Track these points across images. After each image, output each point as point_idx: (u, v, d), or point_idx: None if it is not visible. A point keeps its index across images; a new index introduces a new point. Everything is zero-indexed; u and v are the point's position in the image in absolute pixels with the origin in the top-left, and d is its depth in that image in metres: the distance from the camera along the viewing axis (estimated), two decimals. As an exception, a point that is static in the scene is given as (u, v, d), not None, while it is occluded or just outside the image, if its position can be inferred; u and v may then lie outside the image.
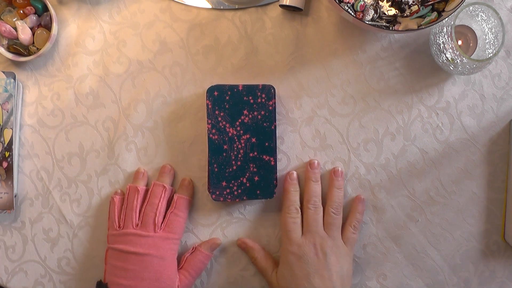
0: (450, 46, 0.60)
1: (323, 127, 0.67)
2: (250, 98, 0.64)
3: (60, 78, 0.68)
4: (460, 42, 0.67)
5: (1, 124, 0.66)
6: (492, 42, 0.63)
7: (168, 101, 0.68)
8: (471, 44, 0.66)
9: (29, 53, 0.66)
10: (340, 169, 0.65)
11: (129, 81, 0.68)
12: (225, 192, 0.64)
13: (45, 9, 0.66)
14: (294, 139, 0.67)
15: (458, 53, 0.59)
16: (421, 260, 0.67)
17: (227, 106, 0.64)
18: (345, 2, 0.63)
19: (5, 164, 0.66)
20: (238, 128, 0.64)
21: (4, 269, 0.67)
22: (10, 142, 0.66)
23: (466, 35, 0.66)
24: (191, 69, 0.68)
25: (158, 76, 0.68)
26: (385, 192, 0.67)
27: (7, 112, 0.66)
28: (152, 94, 0.68)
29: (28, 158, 0.68)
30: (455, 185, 0.67)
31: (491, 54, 0.61)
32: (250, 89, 0.64)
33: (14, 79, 0.66)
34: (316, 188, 0.63)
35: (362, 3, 0.63)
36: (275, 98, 0.64)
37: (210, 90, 0.64)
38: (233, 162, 0.64)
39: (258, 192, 0.64)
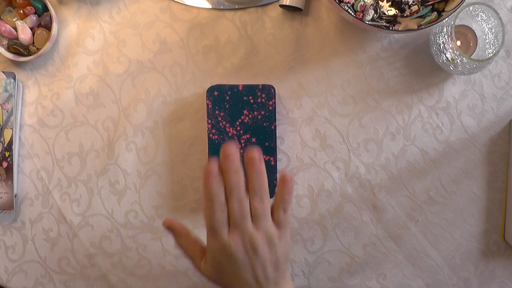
0: (450, 46, 0.60)
1: (323, 127, 0.67)
2: (250, 98, 0.64)
3: (60, 78, 0.68)
4: (460, 42, 0.67)
5: (1, 124, 0.66)
6: (492, 42, 0.63)
7: (168, 101, 0.68)
8: (471, 44, 0.66)
9: (29, 53, 0.66)
10: (255, 152, 0.53)
11: (129, 81, 0.68)
12: None
13: (45, 9, 0.66)
14: (294, 139, 0.67)
15: (458, 53, 0.59)
16: (421, 260, 0.67)
17: (227, 106, 0.64)
18: (345, 2, 0.63)
19: (5, 164, 0.66)
20: (238, 128, 0.64)
21: (4, 269, 0.67)
22: (10, 142, 0.66)
23: (466, 35, 0.66)
24: (191, 69, 0.68)
25: (158, 76, 0.68)
26: (385, 192, 0.67)
27: (7, 112, 0.66)
28: (152, 94, 0.68)
29: (28, 158, 0.68)
30: (455, 185, 0.67)
31: (491, 54, 0.61)
32: (250, 89, 0.64)
33: (14, 79, 0.66)
34: (236, 179, 0.53)
35: (362, 3, 0.63)
36: (275, 98, 0.64)
37: (210, 90, 0.64)
38: None
39: None
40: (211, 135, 0.64)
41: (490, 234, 0.67)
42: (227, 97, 0.64)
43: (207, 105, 0.64)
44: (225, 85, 0.64)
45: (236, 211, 0.53)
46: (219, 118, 0.64)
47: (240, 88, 0.64)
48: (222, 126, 0.64)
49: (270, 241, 0.54)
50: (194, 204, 0.67)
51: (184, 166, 0.67)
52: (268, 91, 0.64)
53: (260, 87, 0.64)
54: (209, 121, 0.64)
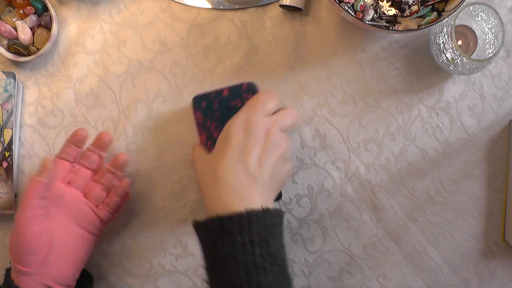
0: (450, 46, 0.60)
1: (323, 127, 0.67)
2: (238, 101, 0.60)
3: (60, 78, 0.68)
4: (460, 42, 0.67)
5: (1, 124, 0.66)
6: (492, 42, 0.63)
7: (168, 101, 0.68)
8: (471, 44, 0.66)
9: (29, 53, 0.66)
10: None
11: (129, 81, 0.68)
12: None
13: (45, 9, 0.66)
14: (294, 139, 0.67)
15: (458, 53, 0.59)
16: (421, 260, 0.67)
17: (217, 115, 0.60)
18: (345, 2, 0.63)
19: (5, 164, 0.66)
20: None
21: (4, 269, 0.67)
22: (10, 142, 0.66)
23: (466, 35, 0.66)
24: (191, 69, 0.68)
25: (158, 76, 0.68)
26: (385, 192, 0.67)
27: (7, 112, 0.66)
28: (152, 94, 0.68)
29: (28, 158, 0.68)
30: (455, 185, 0.67)
31: (491, 54, 0.61)
32: (235, 92, 0.60)
33: (14, 79, 0.66)
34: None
35: (362, 3, 0.63)
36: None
37: (198, 102, 0.60)
38: None
39: None
40: (207, 147, 0.60)
41: (490, 234, 0.67)
42: (215, 106, 0.60)
43: (198, 118, 0.60)
44: (210, 93, 0.60)
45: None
46: (212, 129, 0.60)
47: (225, 94, 0.60)
48: (216, 136, 0.59)
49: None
50: (194, 204, 0.67)
51: (184, 166, 0.67)
52: (253, 90, 0.61)
53: (244, 88, 0.61)
54: (204, 133, 0.60)
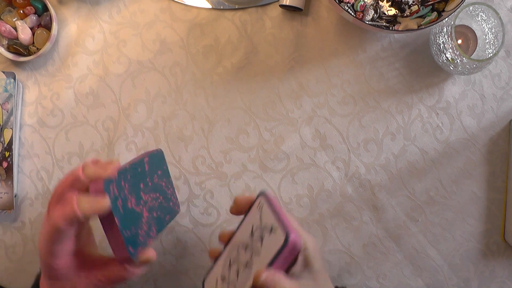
0: (450, 46, 0.60)
1: (323, 127, 0.67)
2: (139, 169, 0.51)
3: (60, 78, 0.68)
4: (460, 42, 0.67)
5: (1, 124, 0.66)
6: (492, 42, 0.63)
7: (168, 101, 0.68)
8: (471, 44, 0.66)
9: (29, 53, 0.66)
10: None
11: (129, 81, 0.68)
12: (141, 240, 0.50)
13: (45, 9, 0.66)
14: (294, 139, 0.67)
15: (458, 53, 0.59)
16: (421, 260, 0.67)
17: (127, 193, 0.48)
18: (345, 2, 0.63)
19: (5, 164, 0.66)
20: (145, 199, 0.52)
21: (4, 269, 0.67)
22: (10, 142, 0.66)
23: (466, 35, 0.67)
24: (191, 69, 0.68)
25: (158, 76, 0.68)
26: (385, 192, 0.67)
27: (7, 112, 0.66)
28: (152, 94, 0.68)
29: (28, 158, 0.68)
30: (455, 185, 0.67)
31: (491, 54, 0.61)
32: (139, 164, 0.52)
33: (14, 79, 0.66)
34: None
35: (362, 3, 0.63)
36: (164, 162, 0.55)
37: (107, 187, 0.45)
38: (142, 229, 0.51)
39: (167, 218, 0.55)
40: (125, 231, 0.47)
41: (490, 234, 0.67)
42: (123, 183, 0.48)
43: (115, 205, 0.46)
44: (115, 178, 0.46)
45: None
46: (122, 211, 0.47)
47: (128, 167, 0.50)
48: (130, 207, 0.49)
49: None
50: (194, 204, 0.67)
51: (184, 166, 0.67)
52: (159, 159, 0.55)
53: (146, 159, 0.53)
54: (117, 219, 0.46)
